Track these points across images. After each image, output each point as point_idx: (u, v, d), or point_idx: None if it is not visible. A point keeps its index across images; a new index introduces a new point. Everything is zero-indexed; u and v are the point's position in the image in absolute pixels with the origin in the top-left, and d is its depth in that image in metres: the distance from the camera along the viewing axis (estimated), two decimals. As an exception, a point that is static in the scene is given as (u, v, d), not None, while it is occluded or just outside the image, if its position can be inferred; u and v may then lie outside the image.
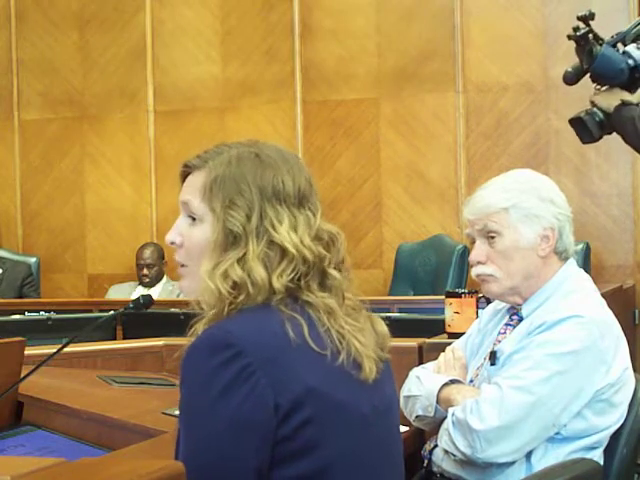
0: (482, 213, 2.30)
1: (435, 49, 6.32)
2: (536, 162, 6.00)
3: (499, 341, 2.33)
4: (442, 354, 2.44)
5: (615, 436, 2.24)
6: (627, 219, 6.03)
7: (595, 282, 2.37)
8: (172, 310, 4.00)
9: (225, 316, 1.61)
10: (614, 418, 2.22)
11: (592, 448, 2.20)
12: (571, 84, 3.65)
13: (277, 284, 1.60)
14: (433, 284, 5.75)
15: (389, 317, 3.37)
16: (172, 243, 1.72)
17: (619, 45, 3.52)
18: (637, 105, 3.49)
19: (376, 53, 6.45)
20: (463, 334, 2.52)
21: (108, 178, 7.01)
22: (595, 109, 3.55)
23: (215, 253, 1.63)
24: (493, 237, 2.29)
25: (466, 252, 5.47)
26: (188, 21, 6.84)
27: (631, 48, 3.49)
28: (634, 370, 2.30)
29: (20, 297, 6.01)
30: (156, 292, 6.21)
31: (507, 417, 2.12)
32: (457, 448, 2.18)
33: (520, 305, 2.32)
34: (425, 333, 3.07)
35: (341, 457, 1.59)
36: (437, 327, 3.12)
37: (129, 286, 6.42)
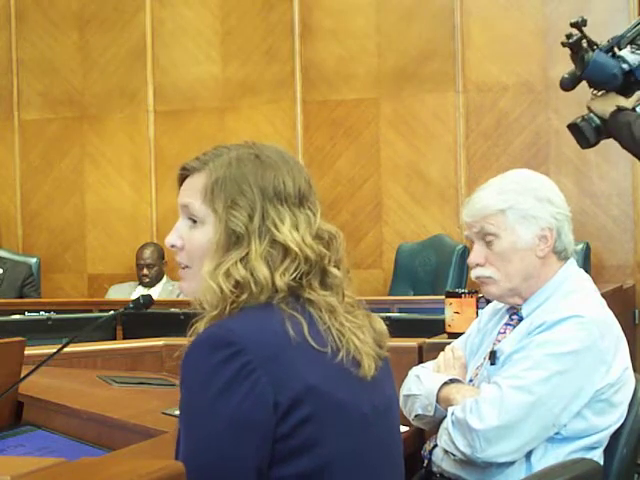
0: (479, 215, 2.30)
1: (435, 49, 6.32)
2: (536, 162, 6.00)
3: (499, 341, 2.33)
4: (442, 353, 2.44)
5: (615, 436, 2.24)
6: (627, 219, 6.03)
7: (595, 282, 2.37)
8: (172, 310, 4.00)
9: (227, 315, 1.61)
10: (614, 418, 2.22)
11: (592, 448, 2.20)
12: (568, 90, 3.67)
13: (280, 282, 1.61)
14: (433, 284, 5.75)
15: (389, 317, 3.37)
16: (173, 246, 1.73)
17: (615, 49, 3.52)
18: (632, 110, 3.50)
19: (376, 53, 6.45)
20: (463, 334, 2.52)
21: (108, 178, 7.01)
22: (591, 114, 3.56)
23: (217, 254, 1.64)
24: (491, 239, 2.29)
25: (466, 252, 5.47)
26: (188, 21, 6.84)
27: (625, 52, 3.50)
28: (634, 370, 2.30)
29: (20, 297, 6.01)
30: (156, 292, 6.21)
31: (507, 417, 2.12)
32: (457, 448, 2.18)
33: (520, 305, 2.32)
34: (425, 333, 3.07)
35: (340, 456, 1.59)
36: (437, 327, 3.13)
37: (129, 286, 6.42)
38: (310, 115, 6.58)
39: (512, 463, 2.16)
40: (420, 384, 2.33)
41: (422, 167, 6.36)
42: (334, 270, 1.66)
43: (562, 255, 2.31)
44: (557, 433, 2.17)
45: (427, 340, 2.95)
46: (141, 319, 3.75)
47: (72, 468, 1.33)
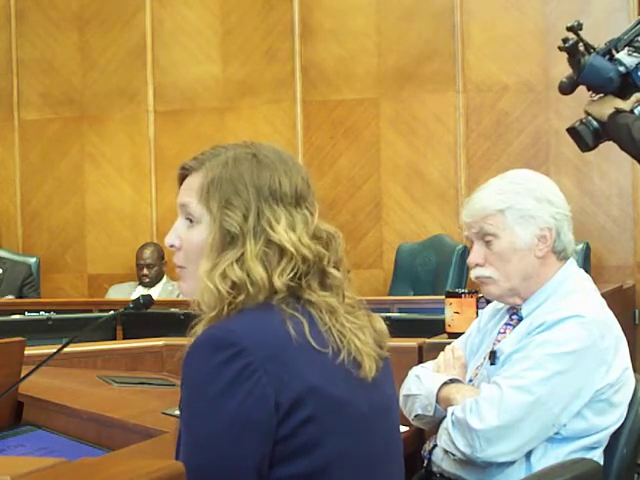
0: (478, 216, 2.30)
1: (435, 49, 6.33)
2: (536, 162, 6.00)
3: (499, 341, 2.33)
4: (442, 353, 2.44)
5: (615, 436, 2.24)
6: (627, 219, 6.04)
7: (595, 282, 2.37)
8: (172, 310, 4.00)
9: (225, 316, 1.61)
10: (614, 418, 2.22)
11: (592, 448, 2.20)
12: (567, 94, 3.68)
13: (278, 283, 1.60)
14: (433, 284, 5.75)
15: (389, 317, 3.37)
16: (171, 246, 1.73)
17: (613, 51, 3.53)
18: (631, 112, 3.50)
19: (376, 53, 6.45)
20: (463, 334, 2.52)
21: (108, 178, 7.01)
22: (589, 118, 3.56)
23: (213, 254, 1.64)
24: (490, 239, 2.29)
25: (466, 252, 5.46)
26: (188, 21, 6.84)
27: (622, 55, 3.50)
28: (634, 370, 2.30)
29: (20, 297, 6.00)
30: (156, 292, 6.21)
31: (506, 417, 2.12)
32: (457, 448, 2.18)
33: (520, 305, 2.32)
34: (425, 333, 3.07)
35: (341, 456, 1.59)
36: (437, 327, 3.12)
37: (129, 286, 6.42)
38: (310, 115, 6.58)
39: (512, 463, 2.16)
40: (420, 384, 2.33)
41: (422, 167, 6.36)
42: (333, 271, 1.66)
43: (562, 255, 2.31)
44: (557, 433, 2.17)
45: (427, 340, 2.95)
46: (141, 319, 3.75)
47: (72, 468, 1.33)
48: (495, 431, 2.12)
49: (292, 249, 1.61)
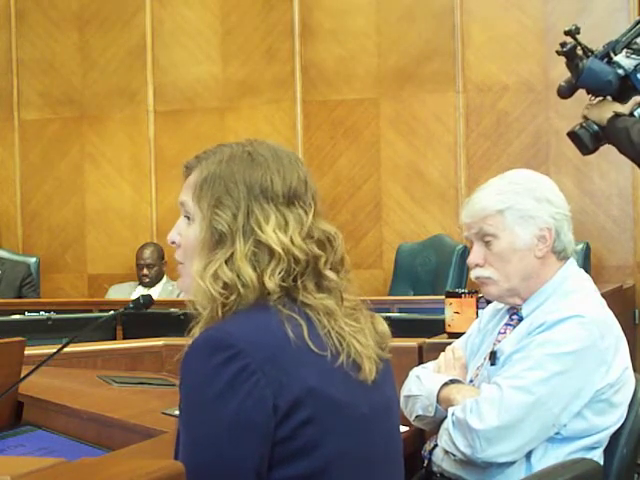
0: (478, 216, 2.30)
1: (435, 49, 6.32)
2: (536, 162, 6.00)
3: (499, 341, 2.33)
4: (442, 354, 2.44)
5: (615, 436, 2.24)
6: (627, 219, 6.03)
7: (595, 282, 2.37)
8: (172, 310, 4.00)
9: (220, 317, 1.61)
10: (614, 418, 2.22)
11: (592, 448, 2.20)
12: (565, 97, 3.68)
13: (270, 284, 1.59)
14: (433, 284, 5.75)
15: (389, 317, 3.35)
16: (172, 242, 1.73)
17: (611, 54, 3.53)
18: (630, 115, 3.51)
19: (376, 53, 6.45)
20: (463, 334, 2.52)
21: (108, 178, 7.01)
22: (589, 121, 3.57)
23: (204, 252, 1.64)
24: (490, 240, 2.29)
25: (466, 252, 5.46)
26: (188, 21, 6.83)
27: (620, 58, 3.51)
28: (634, 370, 2.30)
29: (19, 297, 5.99)
30: (156, 292, 6.21)
31: (507, 417, 2.12)
32: (457, 448, 2.18)
33: (520, 305, 2.32)
34: (425, 333, 3.07)
35: (341, 457, 1.59)
36: (437, 327, 3.12)
37: (129, 286, 6.42)
38: (310, 115, 6.58)
39: (512, 463, 2.16)
40: (420, 385, 2.33)
41: (422, 167, 6.36)
42: (329, 273, 1.64)
43: (561, 255, 2.31)
44: (557, 433, 2.17)
45: (427, 340, 2.95)
46: (141, 319, 3.75)
47: (72, 468, 1.33)
48: (495, 431, 2.12)
49: (280, 250, 1.59)
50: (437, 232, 6.14)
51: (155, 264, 6.35)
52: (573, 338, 2.16)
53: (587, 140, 3.58)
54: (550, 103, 6.06)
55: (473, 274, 2.35)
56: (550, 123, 6.10)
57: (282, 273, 1.60)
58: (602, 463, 2.19)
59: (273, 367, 1.53)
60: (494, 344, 2.34)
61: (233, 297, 1.60)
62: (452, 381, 2.30)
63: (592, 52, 3.54)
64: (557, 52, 3.55)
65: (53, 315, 3.98)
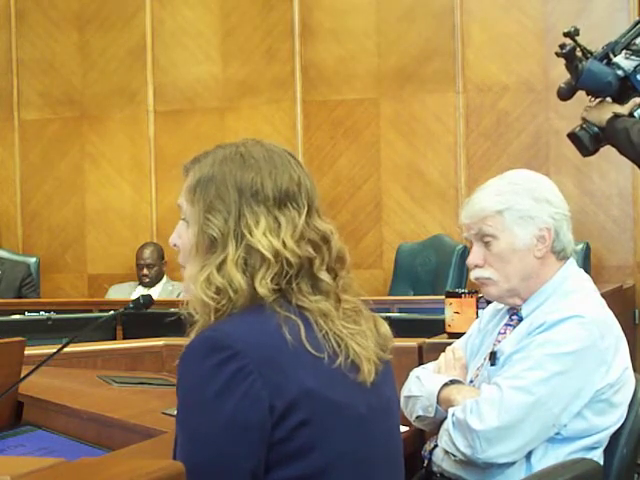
0: (477, 217, 2.30)
1: (435, 49, 6.32)
2: (536, 162, 6.00)
3: (499, 341, 2.33)
4: (442, 354, 2.44)
5: (615, 436, 2.24)
6: (627, 219, 6.03)
7: (595, 282, 2.37)
8: (172, 310, 3.99)
9: (212, 322, 1.60)
10: (614, 418, 2.22)
11: (592, 448, 2.20)
12: (565, 99, 3.69)
13: (261, 289, 1.59)
14: (433, 284, 5.75)
15: (389, 317, 3.35)
16: (174, 245, 1.73)
17: (610, 55, 3.53)
18: (629, 115, 3.51)
19: (376, 53, 6.45)
20: (463, 334, 2.52)
21: (108, 178, 7.01)
22: (589, 123, 3.57)
23: (198, 257, 1.64)
24: (489, 240, 2.29)
25: (466, 252, 5.46)
26: (188, 21, 6.83)
27: (620, 59, 3.51)
28: (634, 370, 2.30)
29: (19, 298, 5.98)
30: (156, 292, 6.21)
31: (507, 417, 2.12)
32: (457, 448, 2.18)
33: (520, 306, 2.32)
34: (425, 333, 3.07)
35: (339, 458, 1.58)
36: (437, 327, 3.12)
37: (129, 286, 6.42)
38: (310, 115, 6.58)
39: (512, 463, 2.16)
40: (421, 385, 2.33)
41: (422, 167, 6.36)
42: (324, 275, 1.63)
43: (561, 255, 2.31)
44: (557, 433, 2.17)
45: (427, 340, 2.95)
46: (141, 319, 3.75)
47: (72, 468, 1.33)
48: (495, 432, 2.12)
49: (269, 255, 1.59)
50: (437, 232, 6.14)
51: (155, 264, 6.35)
52: (573, 338, 2.16)
53: (587, 141, 3.58)
54: (550, 103, 6.06)
55: (473, 275, 2.34)
56: (550, 123, 6.10)
57: (274, 277, 1.59)
58: (602, 463, 2.19)
59: (270, 368, 1.53)
60: (494, 344, 2.33)
61: (224, 302, 1.60)
62: (452, 382, 2.30)
63: (591, 53, 3.54)
64: (556, 54, 3.56)
65: (53, 315, 3.98)
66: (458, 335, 2.59)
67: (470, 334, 2.48)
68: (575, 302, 2.24)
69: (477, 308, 2.93)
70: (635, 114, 3.51)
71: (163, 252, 6.37)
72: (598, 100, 3.61)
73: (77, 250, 7.07)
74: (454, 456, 2.21)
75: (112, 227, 7.00)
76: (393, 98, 6.42)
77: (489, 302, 2.49)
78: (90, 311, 4.99)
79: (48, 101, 7.12)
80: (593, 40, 3.67)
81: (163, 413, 2.33)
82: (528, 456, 2.17)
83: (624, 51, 3.53)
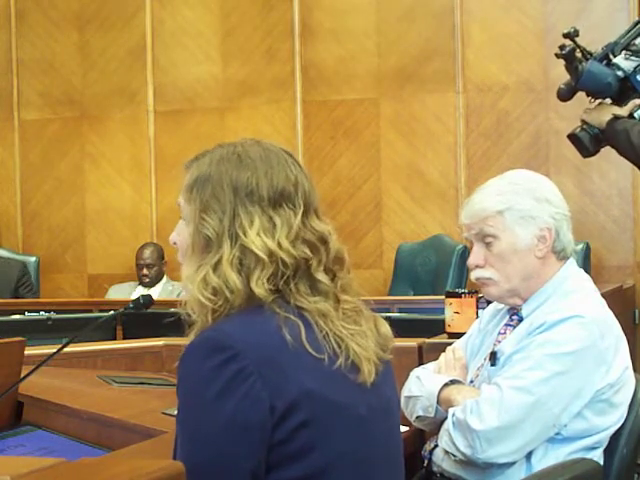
0: (478, 217, 2.30)
1: (435, 49, 6.32)
2: (536, 162, 6.00)
3: (499, 341, 2.33)
4: (442, 354, 2.44)
5: (615, 436, 2.24)
6: (627, 219, 6.03)
7: (595, 282, 2.37)
8: (172, 310, 3.99)
9: (210, 323, 1.60)
10: (614, 418, 2.22)
11: (592, 448, 2.20)
12: (565, 100, 3.69)
13: (258, 289, 1.58)
14: (433, 284, 5.75)
15: (389, 317, 3.35)
16: (174, 244, 1.74)
17: (610, 56, 3.54)
18: (629, 116, 3.51)
19: (376, 53, 6.45)
20: (463, 334, 2.52)
21: (108, 178, 7.01)
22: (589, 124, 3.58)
23: (194, 256, 1.64)
24: (490, 241, 2.29)
25: (466, 252, 5.46)
26: (188, 21, 6.83)
27: (619, 59, 3.51)
28: (634, 370, 2.30)
29: (15, 298, 5.89)
30: (156, 292, 6.21)
31: (507, 417, 2.12)
32: (457, 448, 2.18)
33: (520, 306, 2.32)
34: (425, 333, 3.07)
35: (339, 459, 1.58)
36: (437, 327, 3.12)
37: (129, 286, 6.42)
38: (310, 115, 6.57)
39: (512, 463, 2.16)
40: (421, 385, 2.33)
41: (422, 167, 6.36)
42: (321, 276, 1.63)
43: (561, 255, 2.31)
44: (557, 433, 2.16)
45: (427, 340, 2.95)
46: (141, 319, 3.75)
47: (72, 468, 1.32)
48: (495, 432, 2.12)
49: (263, 255, 1.58)
50: (437, 232, 6.14)
51: (155, 264, 6.35)
52: (573, 338, 2.16)
53: (587, 142, 3.58)
54: (550, 103, 6.06)
55: (473, 275, 2.34)
56: (550, 123, 6.10)
57: (271, 277, 1.59)
58: (602, 463, 2.19)
59: (270, 369, 1.53)
60: (494, 344, 2.33)
61: (221, 302, 1.59)
62: (452, 382, 2.30)
63: (591, 54, 3.54)
64: (556, 55, 3.56)
65: (53, 315, 3.98)
66: (458, 335, 2.59)
67: (470, 334, 2.48)
68: (575, 302, 2.24)
69: (477, 308, 2.93)
70: (635, 115, 3.51)
71: (163, 252, 6.36)
72: (597, 102, 3.61)
73: (77, 250, 7.07)
74: (454, 456, 2.21)
75: (112, 227, 6.99)
76: (393, 98, 6.42)
77: (489, 302, 2.49)
78: (90, 311, 4.99)
79: (48, 101, 7.12)
80: (593, 40, 3.68)
81: (163, 413, 2.33)
82: (528, 456, 2.17)
83: (624, 52, 3.53)
